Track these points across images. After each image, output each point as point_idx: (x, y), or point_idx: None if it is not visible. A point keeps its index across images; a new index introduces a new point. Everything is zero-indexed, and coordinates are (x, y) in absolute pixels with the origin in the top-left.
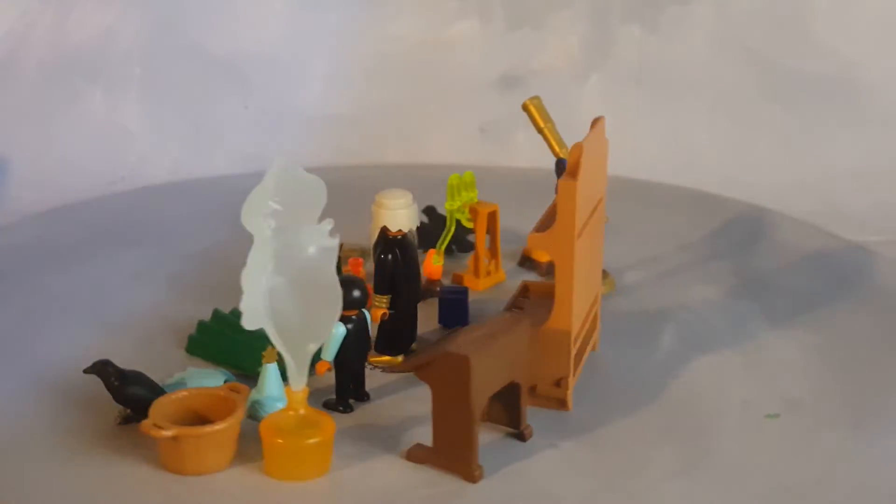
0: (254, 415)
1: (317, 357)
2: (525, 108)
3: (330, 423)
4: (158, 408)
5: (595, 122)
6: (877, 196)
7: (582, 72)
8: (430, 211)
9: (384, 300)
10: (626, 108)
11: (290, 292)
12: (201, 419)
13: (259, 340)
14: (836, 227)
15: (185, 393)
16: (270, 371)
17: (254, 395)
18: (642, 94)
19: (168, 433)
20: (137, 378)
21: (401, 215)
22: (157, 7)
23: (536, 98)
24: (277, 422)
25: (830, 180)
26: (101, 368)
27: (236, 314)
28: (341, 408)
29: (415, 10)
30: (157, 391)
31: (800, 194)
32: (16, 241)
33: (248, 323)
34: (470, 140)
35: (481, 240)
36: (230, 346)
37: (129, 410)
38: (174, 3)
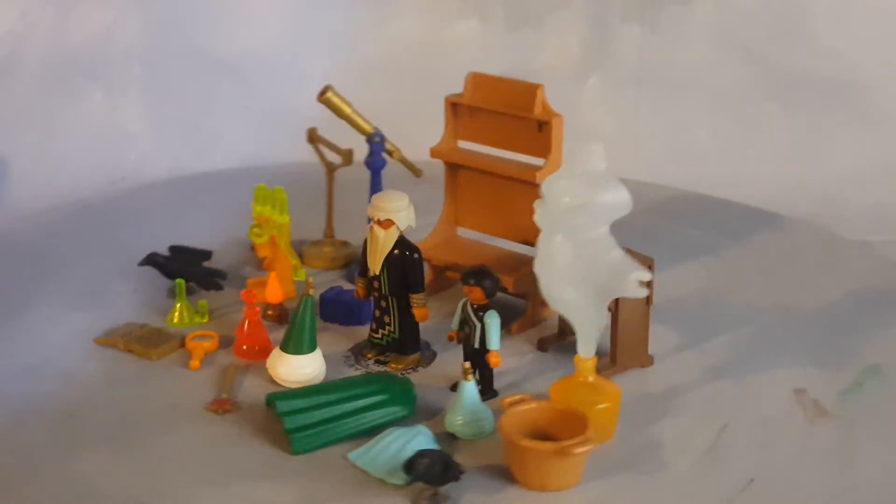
0: (479, 433)
1: None
2: (325, 100)
3: (616, 389)
4: (511, 423)
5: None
6: (877, 196)
7: (582, 72)
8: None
9: (421, 298)
10: (626, 108)
11: (576, 265)
12: (544, 433)
13: (367, 394)
14: (836, 227)
15: (524, 408)
16: (470, 387)
17: (451, 415)
18: (642, 94)
19: (584, 449)
20: (432, 454)
21: (398, 217)
22: (157, 7)
23: (328, 87)
24: (567, 388)
25: (831, 180)
26: (414, 462)
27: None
28: (492, 394)
29: (415, 10)
30: (442, 454)
31: (800, 194)
32: (16, 241)
33: (548, 292)
34: None
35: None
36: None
37: (435, 490)
38: (174, 2)
